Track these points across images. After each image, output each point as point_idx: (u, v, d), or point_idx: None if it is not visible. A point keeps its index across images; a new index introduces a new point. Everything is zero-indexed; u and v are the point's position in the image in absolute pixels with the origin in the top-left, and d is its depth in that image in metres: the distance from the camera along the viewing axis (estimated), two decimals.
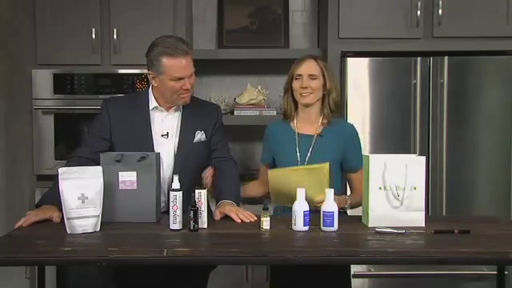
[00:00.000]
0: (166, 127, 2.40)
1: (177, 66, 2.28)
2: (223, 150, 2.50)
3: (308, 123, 2.50)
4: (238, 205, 2.34)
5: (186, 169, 2.34)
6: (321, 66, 2.46)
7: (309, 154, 2.44)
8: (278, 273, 2.46)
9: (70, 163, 2.29)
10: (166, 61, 2.28)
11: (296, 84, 2.46)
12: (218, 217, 2.25)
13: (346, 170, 2.49)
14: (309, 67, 2.45)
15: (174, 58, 2.28)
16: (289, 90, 2.51)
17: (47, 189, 2.31)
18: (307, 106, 2.47)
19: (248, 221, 2.20)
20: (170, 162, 2.38)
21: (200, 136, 2.43)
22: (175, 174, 2.13)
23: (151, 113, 2.39)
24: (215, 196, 2.42)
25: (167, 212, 2.14)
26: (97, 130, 2.40)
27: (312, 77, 2.43)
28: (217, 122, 2.49)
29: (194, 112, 2.44)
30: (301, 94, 2.45)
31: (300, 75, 2.45)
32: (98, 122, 2.41)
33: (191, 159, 2.39)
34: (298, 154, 2.46)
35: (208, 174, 2.43)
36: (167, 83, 2.31)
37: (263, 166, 2.63)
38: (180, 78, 2.30)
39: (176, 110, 2.42)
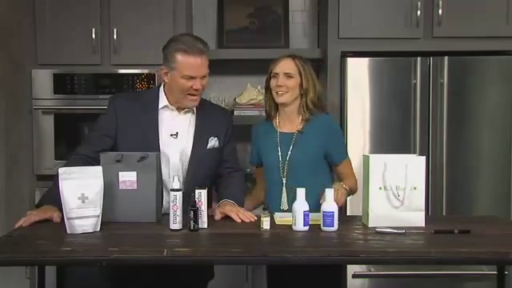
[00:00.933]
0: (176, 127, 2.37)
1: (190, 63, 2.26)
2: (233, 162, 2.51)
3: (288, 121, 2.50)
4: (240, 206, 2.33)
5: (197, 173, 2.33)
6: (298, 65, 2.45)
7: (289, 152, 2.45)
8: (276, 273, 2.46)
9: (72, 161, 2.27)
10: (180, 57, 2.26)
11: (272, 82, 2.46)
12: (218, 217, 2.25)
13: (331, 163, 2.50)
14: (285, 66, 2.45)
15: (189, 55, 2.25)
16: (268, 88, 2.51)
17: (47, 189, 2.30)
18: (284, 105, 2.47)
19: (248, 221, 2.20)
20: (177, 163, 2.35)
21: (214, 142, 2.41)
22: (175, 175, 2.12)
23: (160, 112, 2.36)
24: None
25: None
26: (101, 128, 2.36)
27: (288, 75, 2.43)
28: (228, 129, 2.48)
29: (208, 117, 2.41)
30: (276, 93, 2.44)
31: (276, 73, 2.45)
32: (104, 119, 2.37)
33: (204, 165, 2.37)
34: (280, 152, 2.46)
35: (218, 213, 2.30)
36: (178, 80, 2.28)
37: (255, 168, 2.64)
38: (192, 77, 2.27)
39: (188, 112, 2.39)
